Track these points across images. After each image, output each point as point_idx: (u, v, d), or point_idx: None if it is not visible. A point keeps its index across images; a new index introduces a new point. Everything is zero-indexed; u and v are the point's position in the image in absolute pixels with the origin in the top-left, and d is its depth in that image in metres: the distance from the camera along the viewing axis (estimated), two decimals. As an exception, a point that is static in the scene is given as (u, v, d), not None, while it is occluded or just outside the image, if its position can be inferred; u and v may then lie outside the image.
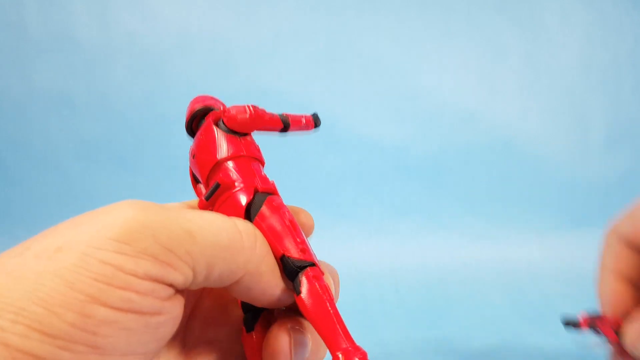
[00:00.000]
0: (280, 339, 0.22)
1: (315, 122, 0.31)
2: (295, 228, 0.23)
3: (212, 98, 0.29)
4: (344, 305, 0.23)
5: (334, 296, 0.23)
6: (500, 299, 0.69)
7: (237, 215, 0.24)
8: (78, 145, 0.91)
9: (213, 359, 0.24)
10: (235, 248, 0.20)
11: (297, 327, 0.23)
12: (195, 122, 0.28)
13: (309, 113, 0.31)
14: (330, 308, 0.21)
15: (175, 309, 0.19)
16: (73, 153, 0.91)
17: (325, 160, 0.89)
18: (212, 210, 0.25)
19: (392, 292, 0.72)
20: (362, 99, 0.92)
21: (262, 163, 0.28)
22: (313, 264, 0.22)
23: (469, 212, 0.86)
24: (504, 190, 0.92)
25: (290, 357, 0.22)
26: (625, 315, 0.31)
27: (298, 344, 0.22)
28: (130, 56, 0.92)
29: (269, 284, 0.22)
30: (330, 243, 0.79)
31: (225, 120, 0.26)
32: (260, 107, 0.28)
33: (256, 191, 0.24)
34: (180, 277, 0.18)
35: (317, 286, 0.22)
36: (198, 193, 0.28)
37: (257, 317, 0.25)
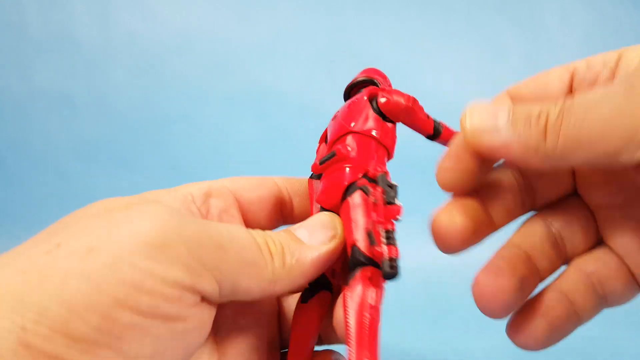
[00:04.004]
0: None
1: None
2: (376, 224, 0.23)
3: (381, 74, 0.29)
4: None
5: (380, 307, 0.22)
6: (500, 299, 0.68)
7: (335, 190, 0.23)
8: (78, 145, 0.91)
9: (245, 346, 0.24)
10: (258, 265, 0.20)
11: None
12: (355, 89, 0.28)
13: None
14: (367, 316, 0.20)
15: (202, 315, 0.19)
16: (73, 153, 0.91)
17: (325, 160, 0.89)
18: (321, 175, 0.25)
19: (392, 292, 0.72)
20: (362, 99, 0.92)
21: (390, 156, 0.27)
22: (378, 266, 0.22)
23: (469, 212, 0.86)
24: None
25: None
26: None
27: None
28: (130, 56, 0.92)
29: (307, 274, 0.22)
30: (330, 243, 0.78)
31: (379, 98, 0.25)
32: (419, 103, 0.26)
33: (365, 175, 0.23)
34: (208, 287, 0.18)
35: (367, 289, 0.21)
36: (319, 152, 0.27)
37: (316, 292, 0.25)
